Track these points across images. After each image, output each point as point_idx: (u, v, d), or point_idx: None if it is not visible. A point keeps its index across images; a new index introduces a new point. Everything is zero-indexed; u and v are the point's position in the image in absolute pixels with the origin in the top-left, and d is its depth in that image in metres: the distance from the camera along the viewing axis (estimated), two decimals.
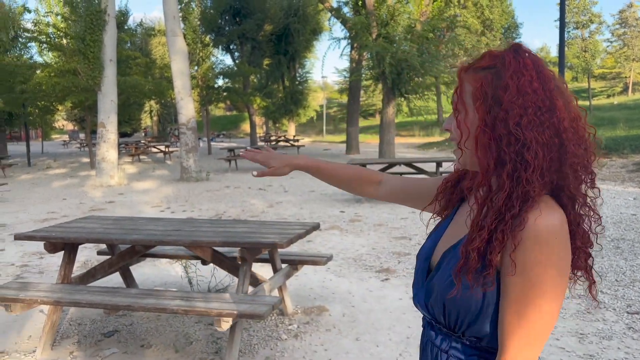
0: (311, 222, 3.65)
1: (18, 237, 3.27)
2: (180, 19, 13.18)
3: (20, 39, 22.64)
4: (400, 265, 4.99)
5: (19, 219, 8.25)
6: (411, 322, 3.53)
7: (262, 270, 4.28)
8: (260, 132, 38.03)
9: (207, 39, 22.26)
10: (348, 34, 17.83)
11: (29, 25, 19.78)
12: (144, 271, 4.82)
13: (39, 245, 5.89)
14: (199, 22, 16.20)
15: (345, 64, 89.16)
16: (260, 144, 27.74)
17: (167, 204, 9.62)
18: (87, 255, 5.53)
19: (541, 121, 0.86)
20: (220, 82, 25.64)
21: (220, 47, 26.01)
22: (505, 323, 0.86)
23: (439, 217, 1.18)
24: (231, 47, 26.93)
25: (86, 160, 21.22)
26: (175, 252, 3.84)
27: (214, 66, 23.98)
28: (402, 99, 16.53)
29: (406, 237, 6.19)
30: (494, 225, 0.87)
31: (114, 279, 4.29)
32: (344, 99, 44.61)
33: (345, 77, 39.70)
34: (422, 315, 1.09)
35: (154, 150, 23.87)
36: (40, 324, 3.58)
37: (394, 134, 17.09)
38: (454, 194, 1.12)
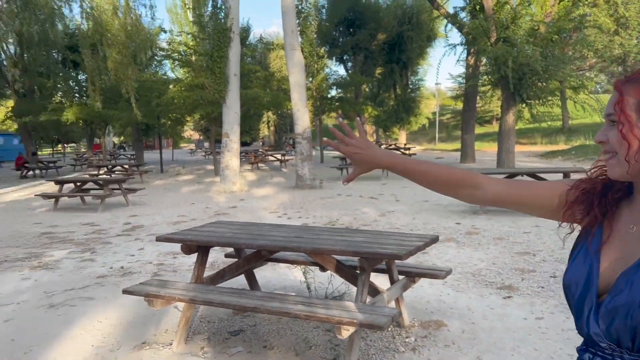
0: (430, 235, 3.58)
1: (159, 239, 3.61)
2: (298, 33, 13.70)
3: (156, 57, 25.12)
4: (524, 282, 4.69)
5: (154, 221, 9.10)
6: (538, 345, 3.30)
7: (378, 280, 4.28)
8: (370, 140, 38.15)
9: (322, 50, 22.91)
10: (464, 40, 17.28)
11: (164, 45, 21.85)
12: (265, 274, 5.06)
13: (172, 246, 6.45)
14: (315, 35, 16.73)
15: (460, 70, 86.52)
16: None
17: (284, 210, 10.02)
18: (214, 257, 5.94)
19: None
20: (333, 92, 26.24)
21: (334, 58, 26.62)
22: None
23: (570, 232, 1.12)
24: (344, 57, 27.45)
25: (211, 167, 22.84)
26: (296, 257, 3.99)
27: (327, 77, 24.59)
28: (524, 104, 15.61)
29: (529, 253, 5.81)
30: None
31: (239, 281, 4.56)
32: (459, 105, 43.25)
33: (460, 83, 38.48)
34: (577, 345, 1.03)
35: (271, 158, 25.01)
36: (175, 319, 3.91)
37: (514, 142, 16.18)
38: (597, 206, 1.04)
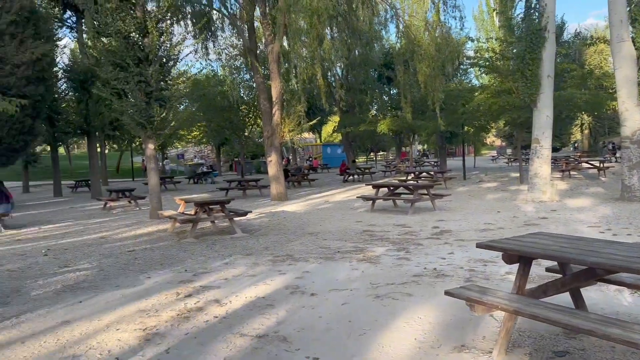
0: None
1: (480, 245, 3.65)
2: (629, 22, 11.85)
3: (462, 66, 25.55)
4: None
5: (461, 227, 9.26)
6: None
7: None
8: None
9: None
10: None
11: (470, 53, 22.02)
12: (590, 295, 4.54)
13: (482, 253, 6.44)
14: None
15: None
16: None
17: (607, 224, 8.80)
18: (532, 270, 5.65)
19: None
20: None
21: None
22: None
23: None
24: None
25: (515, 174, 21.86)
26: (636, 281, 3.45)
27: None
28: None
29: None
30: None
31: (558, 298, 4.23)
32: None
33: None
34: None
35: (586, 165, 22.33)
36: (491, 327, 3.89)
37: None
38: None
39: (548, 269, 4.08)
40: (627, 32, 11.86)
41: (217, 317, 4.47)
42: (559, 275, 3.79)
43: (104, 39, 11.86)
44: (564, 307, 3.16)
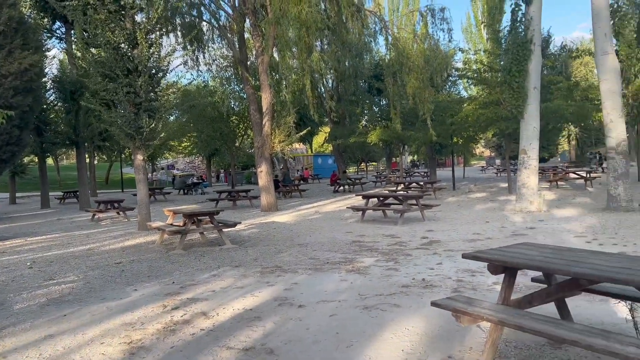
0: None
1: (465, 256, 3.67)
2: (612, 35, 12.06)
3: (450, 78, 25.80)
4: None
5: (450, 237, 9.29)
6: None
7: None
8: None
9: None
10: None
11: (458, 65, 22.27)
12: (576, 304, 4.57)
13: (470, 264, 6.47)
14: (635, 36, 14.40)
15: None
16: None
17: (593, 234, 8.88)
18: (516, 281, 5.68)
19: None
20: None
21: None
22: None
23: None
24: None
25: (504, 185, 22.03)
26: (620, 291, 3.49)
27: None
28: None
29: None
30: None
31: (544, 308, 4.25)
32: None
33: None
34: None
35: (573, 176, 22.56)
36: (477, 337, 3.89)
37: None
38: None
39: (534, 279, 4.11)
40: (611, 46, 12.08)
41: (203, 329, 4.44)
42: (545, 286, 3.82)
43: (93, 50, 11.84)
44: (549, 318, 3.18)
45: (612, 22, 12.37)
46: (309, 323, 4.51)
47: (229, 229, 10.05)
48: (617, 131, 11.81)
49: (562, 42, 43.65)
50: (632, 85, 18.16)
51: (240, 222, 10.31)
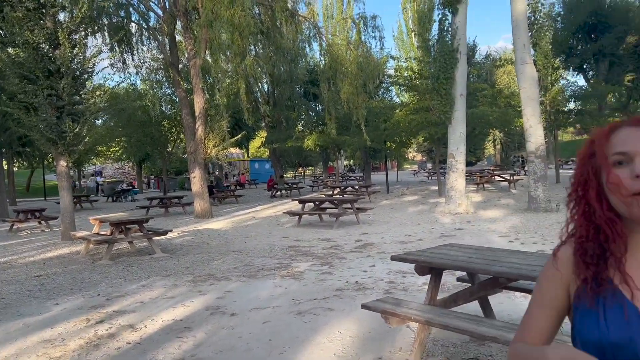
0: None
1: (394, 258, 3.76)
2: (530, 45, 12.84)
3: (383, 84, 26.47)
4: None
5: (383, 240, 9.50)
6: None
7: None
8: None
9: (557, 61, 20.98)
10: None
11: (391, 72, 22.88)
12: (499, 301, 4.80)
13: (402, 265, 6.62)
14: (550, 46, 15.45)
15: None
16: None
17: (516, 234, 9.39)
18: (445, 279, 5.89)
19: None
20: (571, 105, 23.72)
21: (571, 68, 24.11)
22: None
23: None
24: (584, 66, 24.61)
25: (434, 188, 22.83)
26: None
27: (564, 89, 22.37)
28: None
29: None
30: None
31: (469, 306, 4.43)
32: None
33: None
34: None
35: (498, 178, 23.78)
36: (408, 338, 3.99)
37: None
38: (603, 264, 1.01)
39: (459, 279, 4.27)
40: (529, 56, 12.86)
41: (130, 343, 4.25)
42: (469, 284, 3.98)
43: (10, 50, 11.10)
44: (473, 316, 3.32)
45: (530, 33, 13.16)
46: (242, 331, 4.44)
47: (160, 237, 9.73)
48: (536, 136, 12.57)
49: (487, 52, 45.95)
50: (549, 93, 19.46)
51: (171, 230, 10.02)
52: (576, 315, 1.03)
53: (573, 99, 23.60)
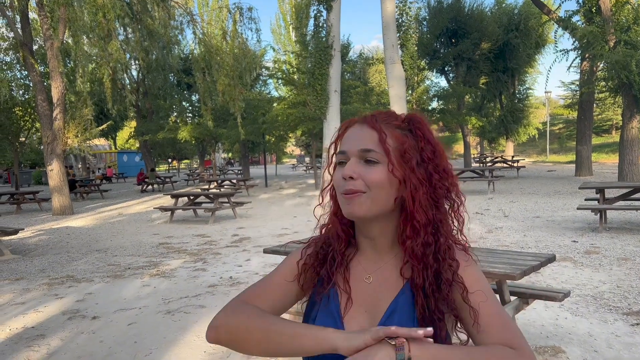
0: (545, 254, 3.33)
1: (266, 251, 3.73)
2: (399, 46, 13.64)
3: (261, 77, 26.36)
4: None
5: (260, 233, 9.47)
6: None
7: None
8: (474, 152, 36.73)
9: (423, 63, 22.59)
10: (578, 45, 16.08)
11: (269, 64, 22.90)
12: None
13: (276, 258, 6.65)
14: (416, 48, 16.56)
15: (573, 77, 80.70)
16: (475, 165, 26.77)
17: None
18: None
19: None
20: (434, 104, 25.70)
21: (434, 69, 26.12)
22: None
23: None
24: (446, 68, 26.80)
25: (312, 181, 23.36)
26: None
27: (428, 89, 24.18)
28: None
29: None
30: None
31: None
32: (572, 114, 40.26)
33: (574, 90, 35.86)
34: None
35: None
36: None
37: (638, 153, 14.69)
38: (319, 265, 1.07)
39: None
40: (397, 55, 13.63)
41: None
42: None
43: None
44: None
45: (398, 34, 13.96)
46: (104, 335, 4.11)
47: (9, 237, 8.68)
48: None
49: (361, 50, 48.06)
50: (416, 92, 20.88)
51: (23, 229, 9.01)
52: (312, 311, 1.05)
53: (436, 99, 25.57)
